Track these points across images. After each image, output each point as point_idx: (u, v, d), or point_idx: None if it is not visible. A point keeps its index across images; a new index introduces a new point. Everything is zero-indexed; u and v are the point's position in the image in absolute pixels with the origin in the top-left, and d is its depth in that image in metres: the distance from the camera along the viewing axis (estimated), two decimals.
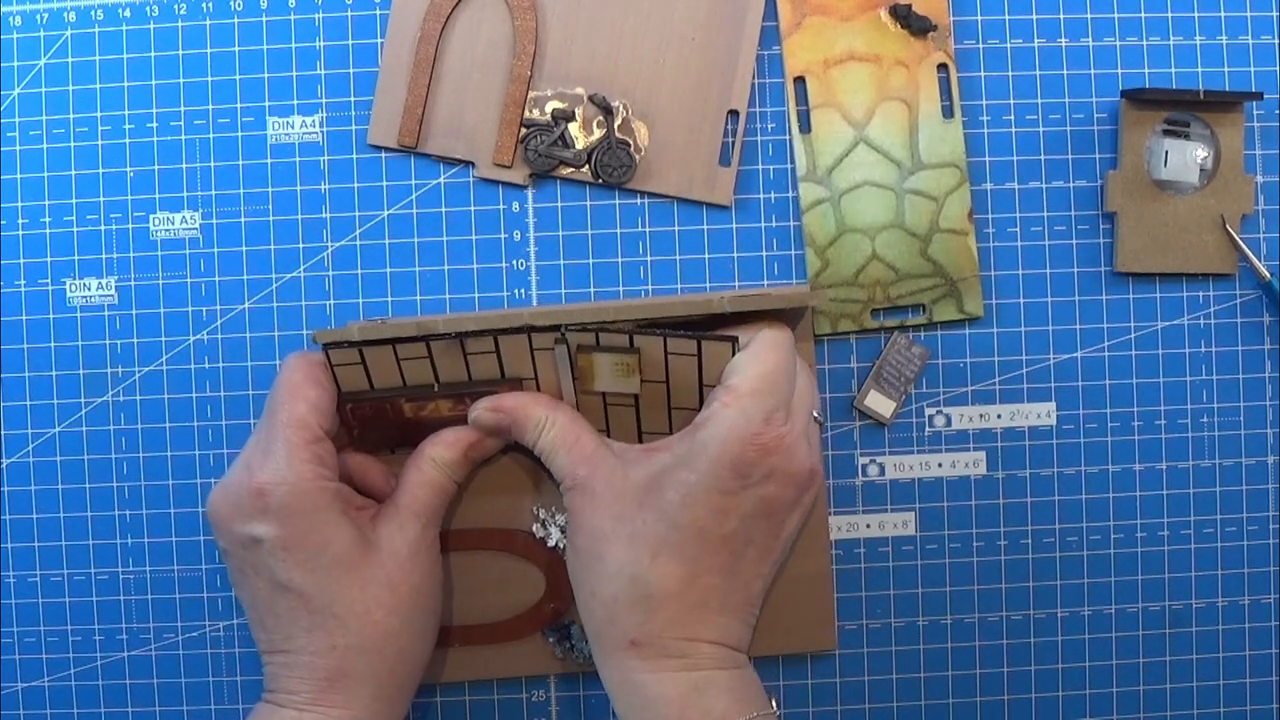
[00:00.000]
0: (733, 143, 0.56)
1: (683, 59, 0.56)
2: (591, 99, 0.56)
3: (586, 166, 0.56)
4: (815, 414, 0.50)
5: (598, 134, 0.56)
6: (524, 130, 0.56)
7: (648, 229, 0.57)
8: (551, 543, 0.55)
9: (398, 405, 0.52)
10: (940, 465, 0.57)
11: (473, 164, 0.56)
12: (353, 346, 0.50)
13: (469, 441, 0.52)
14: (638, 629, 0.47)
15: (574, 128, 0.56)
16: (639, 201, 0.57)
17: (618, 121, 0.56)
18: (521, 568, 0.55)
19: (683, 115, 0.56)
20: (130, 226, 0.57)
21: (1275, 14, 0.57)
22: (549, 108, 0.56)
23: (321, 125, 0.57)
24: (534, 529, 0.55)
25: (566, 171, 0.56)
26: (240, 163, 0.56)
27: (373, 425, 0.53)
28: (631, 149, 0.56)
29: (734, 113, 0.56)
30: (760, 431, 0.46)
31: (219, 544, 0.50)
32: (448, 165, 0.56)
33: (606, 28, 0.56)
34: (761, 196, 0.56)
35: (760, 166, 0.57)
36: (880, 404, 0.56)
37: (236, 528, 0.48)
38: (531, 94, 0.56)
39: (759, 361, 0.48)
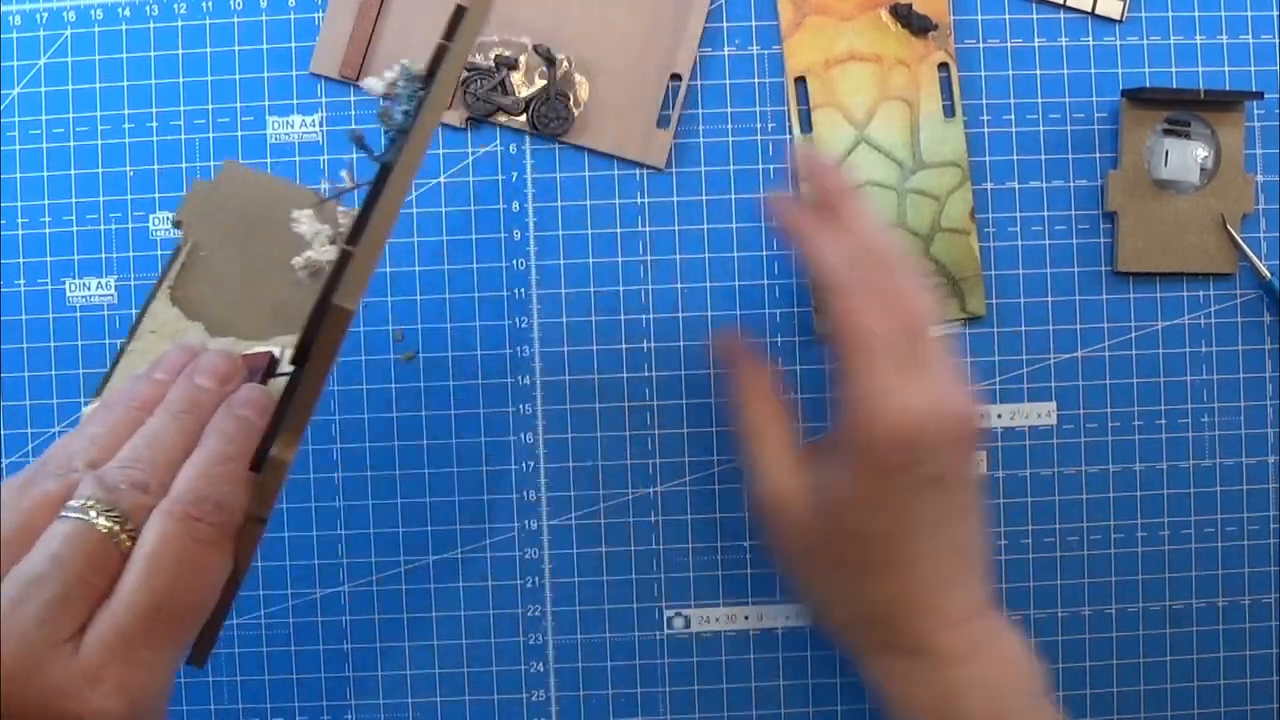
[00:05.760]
0: (674, 107, 0.56)
1: (629, 18, 0.56)
2: (536, 49, 0.56)
3: (524, 115, 0.56)
4: None
5: (539, 85, 0.56)
6: (465, 73, 0.56)
7: (648, 228, 0.56)
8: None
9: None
10: None
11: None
12: None
13: None
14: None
15: (516, 76, 0.56)
16: (640, 200, 0.57)
17: (559, 73, 0.56)
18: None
19: (624, 74, 0.56)
20: (130, 226, 0.57)
21: (1275, 14, 0.57)
22: (493, 54, 0.56)
23: (321, 124, 0.56)
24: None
25: (504, 119, 0.56)
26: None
27: None
28: (570, 103, 0.56)
29: (676, 77, 0.56)
30: None
31: None
32: (448, 164, 0.56)
33: None
34: (763, 196, 0.56)
35: (760, 166, 0.57)
36: None
37: None
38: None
39: None
